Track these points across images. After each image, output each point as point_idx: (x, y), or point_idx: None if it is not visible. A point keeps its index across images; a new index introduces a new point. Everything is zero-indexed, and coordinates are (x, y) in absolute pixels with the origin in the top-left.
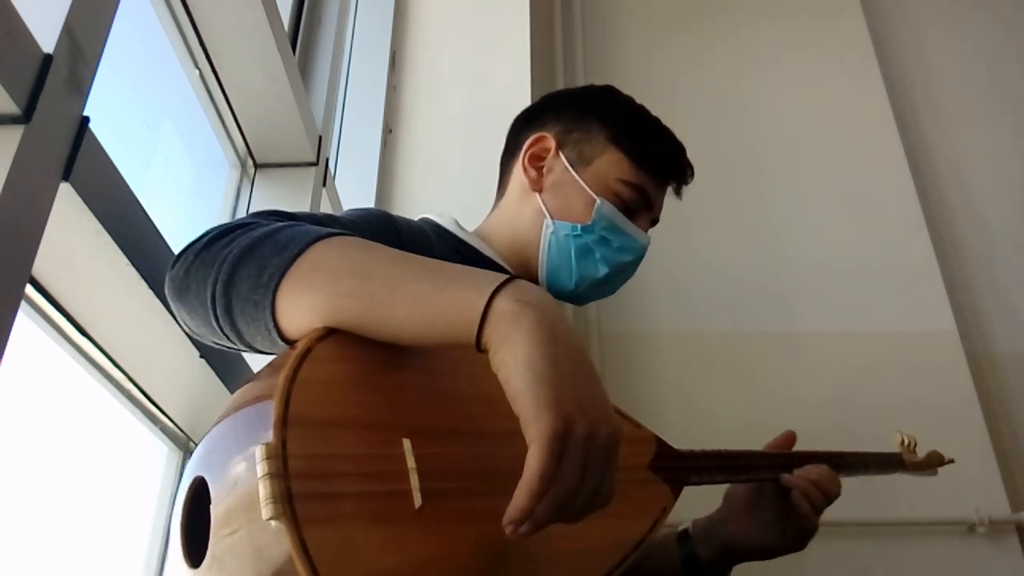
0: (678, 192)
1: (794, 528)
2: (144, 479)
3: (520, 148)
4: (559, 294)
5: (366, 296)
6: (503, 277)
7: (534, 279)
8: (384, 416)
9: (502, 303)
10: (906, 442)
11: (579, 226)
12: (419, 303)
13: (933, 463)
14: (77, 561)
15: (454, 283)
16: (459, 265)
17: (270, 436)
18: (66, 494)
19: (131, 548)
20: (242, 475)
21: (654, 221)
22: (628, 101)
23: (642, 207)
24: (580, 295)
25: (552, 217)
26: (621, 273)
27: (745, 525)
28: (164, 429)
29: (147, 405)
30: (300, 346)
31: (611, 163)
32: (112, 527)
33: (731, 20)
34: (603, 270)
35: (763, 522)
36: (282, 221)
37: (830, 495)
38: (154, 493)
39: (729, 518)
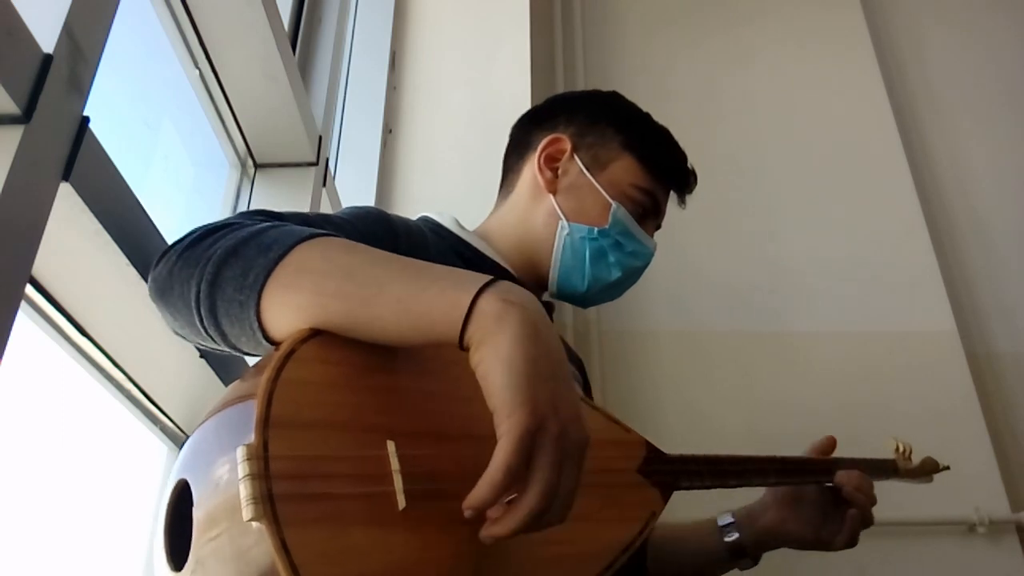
0: (682, 200)
1: (833, 531)
2: (144, 479)
3: (531, 148)
4: (570, 296)
5: (351, 297)
6: (487, 278)
7: (542, 279)
8: (368, 418)
9: (487, 302)
10: (901, 448)
11: (596, 229)
12: (404, 303)
13: (928, 470)
14: (77, 561)
15: (438, 283)
16: (444, 266)
17: (252, 437)
18: (66, 494)
19: (131, 548)
20: (224, 477)
21: (657, 227)
22: (636, 108)
23: (651, 213)
24: (590, 298)
25: (567, 219)
26: (630, 277)
27: (784, 515)
28: (164, 429)
29: (147, 405)
30: (283, 347)
31: (625, 168)
32: (112, 527)
33: (731, 18)
34: (616, 274)
35: (801, 515)
36: (268, 221)
37: (873, 504)
38: (154, 493)
39: (770, 507)
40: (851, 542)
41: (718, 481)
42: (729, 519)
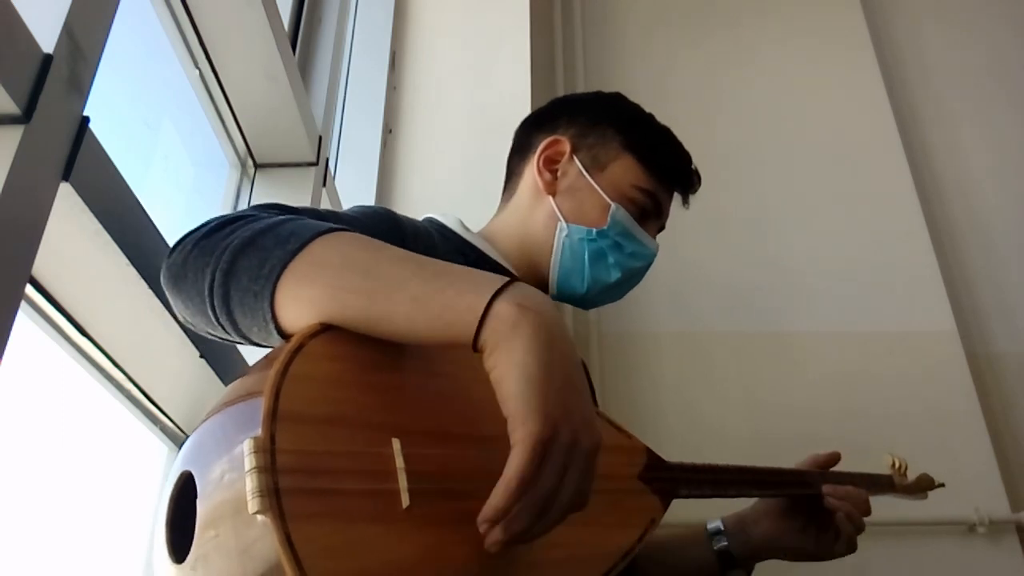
0: (685, 201)
1: (830, 539)
2: (144, 479)
3: (531, 150)
4: (570, 298)
5: (367, 293)
6: (504, 280)
7: (543, 281)
8: (375, 415)
9: (502, 306)
10: (896, 464)
11: (594, 230)
12: (419, 303)
13: (923, 486)
14: (77, 561)
15: (455, 285)
16: (462, 267)
17: (259, 431)
18: (66, 494)
19: (130, 548)
20: (229, 470)
21: (660, 228)
22: (638, 108)
23: (652, 214)
24: (590, 299)
25: (566, 220)
26: (631, 279)
27: (779, 527)
28: (164, 429)
29: (147, 405)
30: (292, 342)
31: (626, 169)
32: (112, 527)
33: (731, 18)
34: (615, 275)
35: (796, 527)
36: (284, 214)
37: (866, 514)
38: (154, 493)
39: (763, 518)
40: (849, 548)
41: (717, 490)
42: (718, 525)
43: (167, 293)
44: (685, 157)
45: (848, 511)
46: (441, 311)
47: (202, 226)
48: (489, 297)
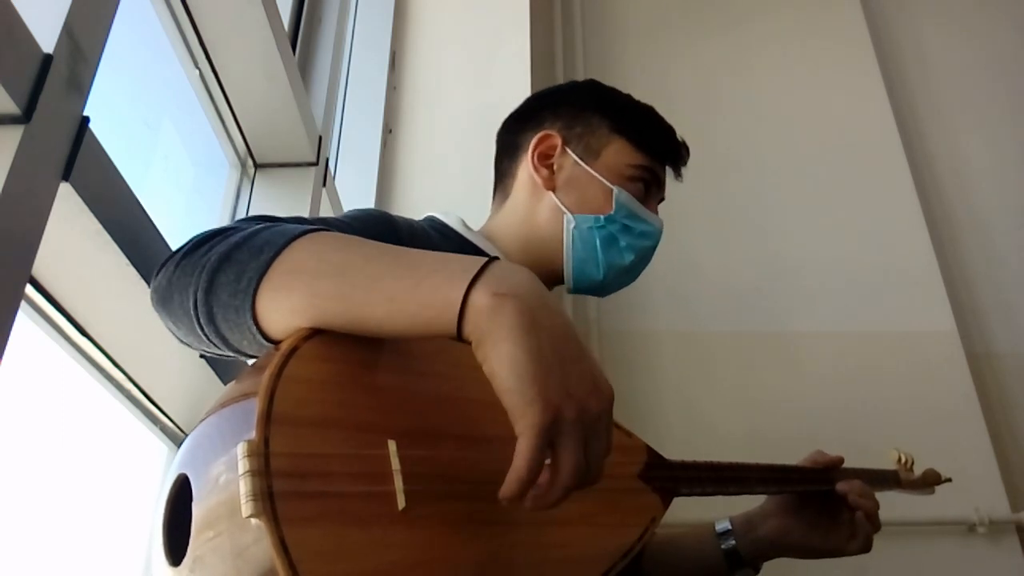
0: (678, 174)
1: (841, 537)
2: (144, 479)
3: (521, 149)
4: (588, 287)
5: (344, 298)
6: (479, 264)
7: (552, 277)
8: (369, 417)
9: (478, 297)
10: (902, 460)
11: (601, 217)
12: (396, 302)
13: (930, 481)
14: (76, 561)
15: (430, 278)
16: (437, 254)
17: (253, 434)
18: (66, 494)
19: (130, 548)
20: (224, 473)
21: (661, 200)
22: (616, 91)
23: (653, 189)
24: (607, 285)
25: (571, 212)
26: (643, 259)
27: (787, 524)
28: (164, 429)
29: (147, 405)
30: (286, 344)
31: (619, 151)
32: (112, 527)
33: (730, 17)
34: (629, 257)
35: (804, 524)
36: (264, 224)
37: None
38: (154, 493)
39: (771, 516)
40: (866, 547)
41: (719, 488)
42: (726, 525)
43: (158, 315)
44: (669, 130)
45: (869, 510)
46: (419, 309)
47: (183, 245)
48: (464, 290)
